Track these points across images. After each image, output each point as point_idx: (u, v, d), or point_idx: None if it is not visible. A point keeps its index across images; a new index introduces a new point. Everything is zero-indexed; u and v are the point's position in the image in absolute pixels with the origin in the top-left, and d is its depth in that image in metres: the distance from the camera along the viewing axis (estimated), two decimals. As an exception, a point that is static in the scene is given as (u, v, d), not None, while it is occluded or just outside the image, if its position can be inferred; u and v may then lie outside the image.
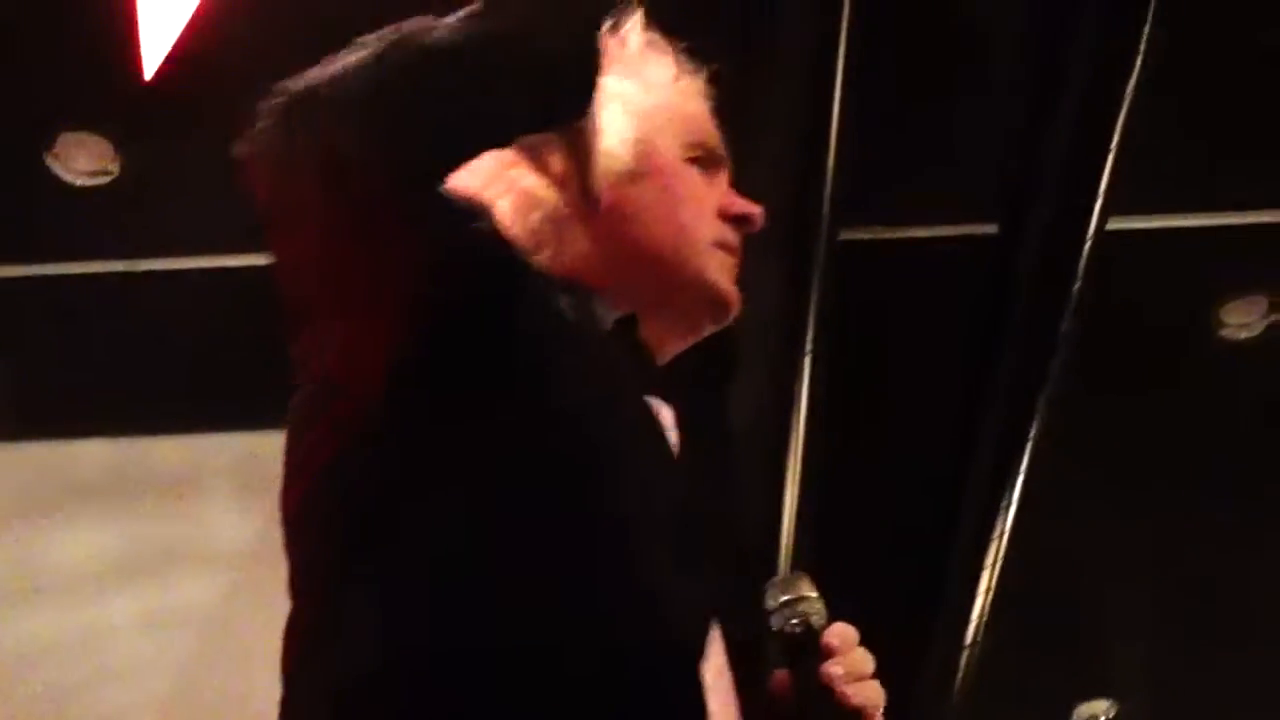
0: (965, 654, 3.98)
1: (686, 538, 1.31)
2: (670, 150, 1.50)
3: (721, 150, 1.55)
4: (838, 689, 1.35)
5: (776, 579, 1.42)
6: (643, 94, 1.51)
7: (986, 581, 3.77)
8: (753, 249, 2.98)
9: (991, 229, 3.20)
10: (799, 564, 3.52)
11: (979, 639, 3.94)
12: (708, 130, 1.55)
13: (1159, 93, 2.85)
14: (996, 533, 3.63)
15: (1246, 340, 3.64)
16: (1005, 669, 4.18)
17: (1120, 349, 3.57)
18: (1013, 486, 3.52)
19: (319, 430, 1.34)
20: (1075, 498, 3.93)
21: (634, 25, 1.54)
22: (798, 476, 3.38)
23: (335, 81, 1.26)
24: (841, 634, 1.39)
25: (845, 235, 3.08)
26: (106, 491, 3.65)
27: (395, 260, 1.27)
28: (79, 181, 3.22)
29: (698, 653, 1.25)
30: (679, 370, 1.50)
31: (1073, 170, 3.01)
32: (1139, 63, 2.76)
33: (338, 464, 1.30)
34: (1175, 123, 3.10)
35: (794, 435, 3.31)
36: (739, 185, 1.54)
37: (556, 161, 1.45)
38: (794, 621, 1.38)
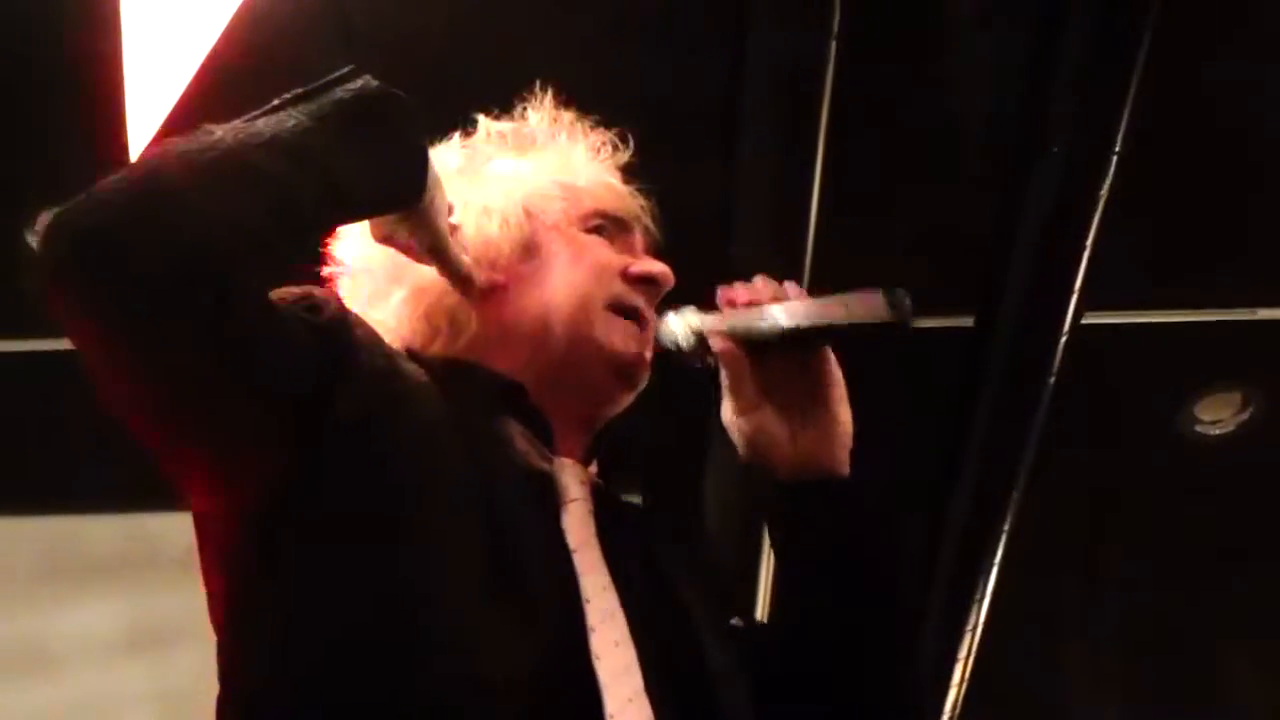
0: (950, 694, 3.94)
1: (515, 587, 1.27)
2: (564, 223, 1.49)
3: (628, 215, 1.53)
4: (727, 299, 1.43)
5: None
6: (533, 173, 1.51)
7: (960, 672, 3.73)
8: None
9: (966, 322, 3.15)
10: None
11: (966, 682, 3.88)
12: (610, 199, 1.53)
13: (1136, 190, 2.82)
14: (973, 611, 3.58)
15: (1221, 436, 3.61)
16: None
17: (1096, 438, 3.55)
18: (988, 570, 3.47)
19: (206, 552, 1.32)
20: (1044, 591, 3.90)
21: (541, 109, 1.54)
22: (769, 568, 3.33)
23: (91, 194, 1.16)
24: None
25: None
26: (116, 566, 3.60)
27: (187, 375, 1.17)
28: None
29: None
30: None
31: (1048, 267, 2.96)
32: (1113, 167, 2.74)
33: (219, 581, 1.30)
34: (1152, 223, 3.09)
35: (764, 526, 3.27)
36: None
37: (414, 247, 1.40)
38: (685, 339, 1.46)
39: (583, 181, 1.52)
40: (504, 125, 1.53)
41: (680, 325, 1.46)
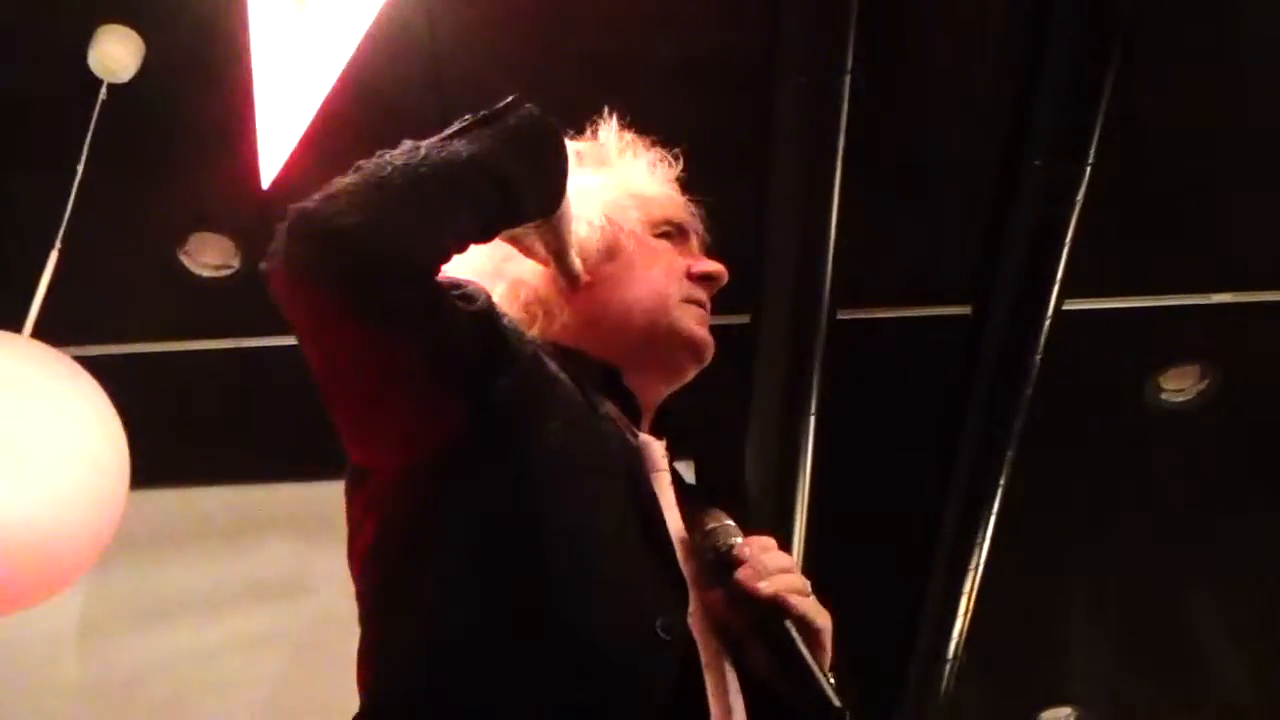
0: (947, 666, 3.96)
1: (648, 545, 1.30)
2: (638, 228, 1.52)
3: (687, 223, 1.58)
4: (748, 587, 1.31)
5: None
6: (612, 185, 1.54)
7: (965, 604, 3.77)
8: (765, 326, 3.02)
9: (965, 310, 3.21)
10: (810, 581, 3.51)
11: (959, 654, 3.92)
12: (673, 209, 1.56)
13: (1106, 192, 2.87)
14: (973, 561, 3.62)
15: (1182, 404, 3.64)
16: (980, 678, 4.17)
17: (1073, 410, 3.58)
18: (986, 523, 3.51)
19: (358, 501, 1.38)
20: (1037, 534, 3.92)
21: (610, 130, 1.59)
22: (805, 512, 3.38)
23: (328, 197, 1.24)
24: (753, 542, 1.37)
25: (842, 315, 3.10)
26: (221, 531, 3.68)
27: (402, 350, 1.25)
28: (206, 274, 3.26)
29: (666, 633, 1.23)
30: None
31: (1033, 260, 3.01)
32: (1086, 178, 2.79)
33: (375, 528, 1.34)
34: (1120, 222, 3.13)
35: (800, 479, 3.32)
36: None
37: (539, 249, 1.44)
38: (714, 548, 1.35)
39: (651, 192, 1.55)
40: (580, 145, 1.54)
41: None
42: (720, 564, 1.34)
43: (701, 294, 1.54)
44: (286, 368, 3.41)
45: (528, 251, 1.46)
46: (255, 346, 3.42)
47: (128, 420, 2.51)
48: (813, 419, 3.22)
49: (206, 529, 3.68)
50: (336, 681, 3.57)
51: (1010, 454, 3.30)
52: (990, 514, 3.45)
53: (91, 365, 2.55)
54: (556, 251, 1.45)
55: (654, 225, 1.55)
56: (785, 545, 3.45)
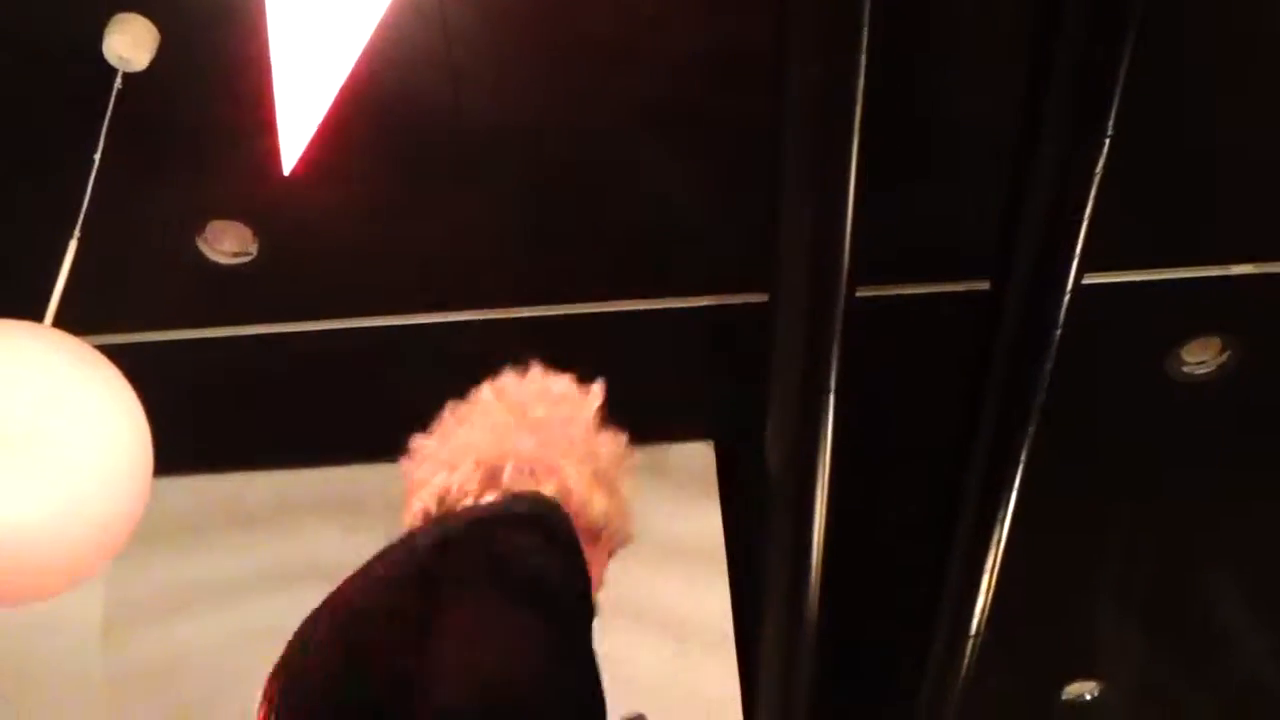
0: (970, 641, 3.97)
1: None
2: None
3: None
4: None
5: None
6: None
7: (987, 580, 3.76)
8: (783, 305, 3.02)
9: (985, 285, 3.20)
10: (831, 559, 3.53)
11: (981, 629, 3.93)
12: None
13: (1125, 165, 2.85)
14: (995, 537, 3.62)
15: (1204, 375, 3.64)
16: (1003, 654, 4.17)
17: (1094, 385, 3.58)
18: (1007, 500, 3.51)
19: None
20: (1061, 509, 3.93)
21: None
22: (825, 491, 3.38)
23: None
24: None
25: (862, 292, 3.09)
26: (247, 518, 3.70)
27: None
28: (224, 262, 3.27)
29: None
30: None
31: (1053, 235, 2.99)
32: (1105, 150, 2.77)
33: None
34: (1140, 196, 3.13)
35: (820, 458, 3.32)
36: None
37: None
38: None
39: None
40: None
41: None
42: None
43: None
44: (307, 354, 3.46)
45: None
46: (275, 333, 3.43)
47: (149, 408, 2.52)
48: (832, 397, 3.22)
49: (232, 516, 3.70)
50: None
51: (1030, 429, 3.29)
52: (1011, 490, 3.45)
53: (111, 353, 2.55)
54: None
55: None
56: (806, 525, 3.49)
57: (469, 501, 1.52)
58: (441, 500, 1.53)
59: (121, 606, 3.59)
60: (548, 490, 1.53)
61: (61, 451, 2.34)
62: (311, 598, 3.54)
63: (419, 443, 1.64)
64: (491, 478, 1.53)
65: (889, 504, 3.93)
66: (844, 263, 2.98)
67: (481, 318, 3.41)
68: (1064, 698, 4.89)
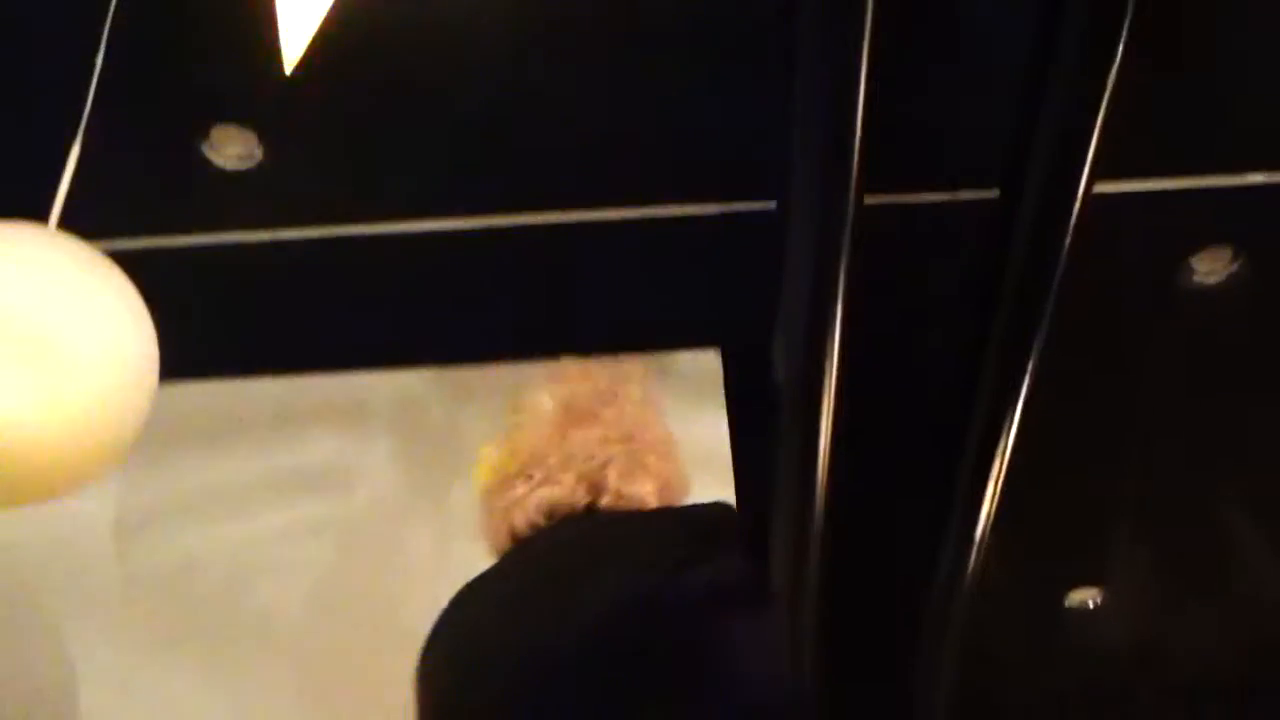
0: (974, 548, 3.99)
1: None
2: None
3: None
4: None
5: None
6: None
7: (992, 488, 3.77)
8: (791, 212, 3.00)
9: (994, 194, 3.17)
10: (838, 467, 3.55)
11: (987, 536, 3.95)
12: None
13: (1137, 78, 2.83)
14: (1001, 446, 3.62)
15: (1214, 285, 3.61)
16: (1008, 560, 4.19)
17: (1104, 294, 3.55)
18: (1014, 410, 3.51)
19: None
20: (1069, 416, 3.91)
21: None
22: (832, 401, 3.38)
23: None
24: None
25: (871, 199, 3.07)
26: (257, 424, 3.71)
27: None
28: (229, 166, 3.25)
29: None
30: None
31: (1063, 143, 2.99)
32: (1118, 57, 2.76)
33: None
34: (1154, 102, 3.08)
35: (828, 368, 3.32)
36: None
37: None
38: None
39: None
40: None
41: None
42: None
43: None
44: (312, 261, 3.45)
45: None
46: (281, 239, 3.41)
47: (152, 314, 2.51)
48: (839, 306, 3.21)
49: (240, 422, 3.71)
50: (383, 568, 3.63)
51: (1039, 339, 3.29)
52: (1019, 397, 3.45)
53: (114, 259, 2.54)
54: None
55: None
56: (813, 435, 3.50)
57: (580, 509, 1.65)
58: (550, 514, 1.67)
59: (138, 510, 3.61)
60: (648, 487, 1.65)
61: (68, 351, 2.33)
62: (316, 505, 3.57)
63: (496, 462, 1.74)
64: (595, 486, 1.68)
65: (896, 413, 3.93)
66: (853, 170, 2.96)
67: (486, 225, 3.39)
68: (1067, 604, 4.92)
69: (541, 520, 1.68)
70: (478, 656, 1.58)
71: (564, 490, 1.68)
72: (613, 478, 1.67)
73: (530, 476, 1.70)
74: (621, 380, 1.80)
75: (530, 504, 1.69)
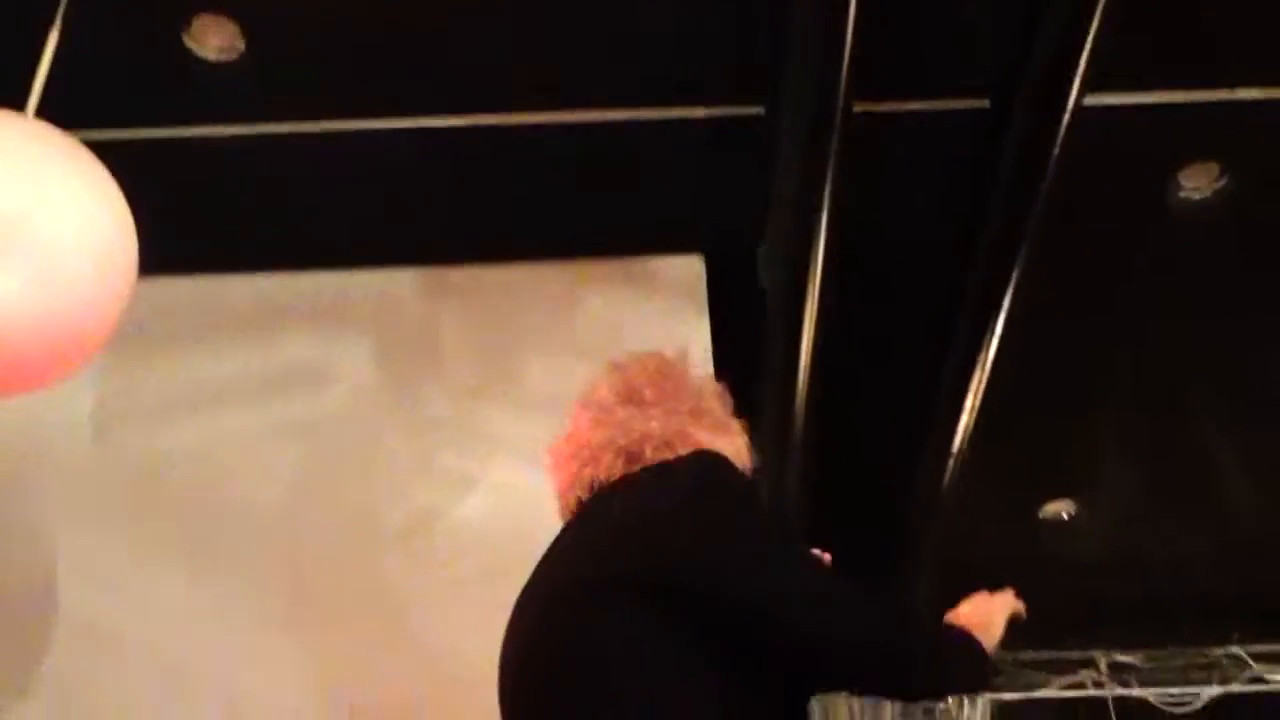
0: (951, 460, 4.01)
1: None
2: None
3: None
4: None
5: None
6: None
7: (971, 400, 3.78)
8: (780, 117, 2.96)
9: (984, 104, 3.14)
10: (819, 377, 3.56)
11: (964, 448, 3.97)
12: None
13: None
14: (981, 359, 3.63)
15: (1200, 200, 3.60)
16: (984, 472, 4.22)
17: (1094, 203, 3.53)
18: (995, 321, 3.51)
19: None
20: (1052, 329, 3.92)
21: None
22: (815, 310, 3.38)
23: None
24: None
25: (859, 107, 3.04)
26: (237, 321, 3.68)
27: None
28: (211, 58, 3.20)
29: None
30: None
31: (1054, 54, 2.95)
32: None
33: None
34: (1145, 14, 3.03)
35: (812, 276, 3.31)
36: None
37: None
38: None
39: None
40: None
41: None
42: None
43: None
44: (292, 155, 3.40)
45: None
46: (261, 133, 3.37)
47: (134, 205, 2.47)
48: (826, 214, 3.19)
49: (215, 320, 3.67)
50: (360, 466, 3.63)
51: (1025, 249, 3.27)
52: (1002, 310, 3.44)
53: (92, 150, 2.50)
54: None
55: None
56: (795, 342, 3.49)
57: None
58: (591, 487, 1.83)
59: (115, 405, 3.59)
60: (684, 453, 1.80)
61: (44, 240, 2.30)
62: (294, 403, 3.55)
63: (556, 448, 1.92)
64: (633, 459, 1.82)
65: (879, 325, 3.92)
66: (842, 76, 2.93)
67: (469, 124, 3.35)
68: (1041, 515, 4.97)
69: (585, 495, 1.85)
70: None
71: (605, 467, 1.84)
72: (648, 453, 1.82)
73: (578, 456, 1.88)
74: (675, 372, 1.96)
75: (578, 484, 1.87)
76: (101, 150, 2.52)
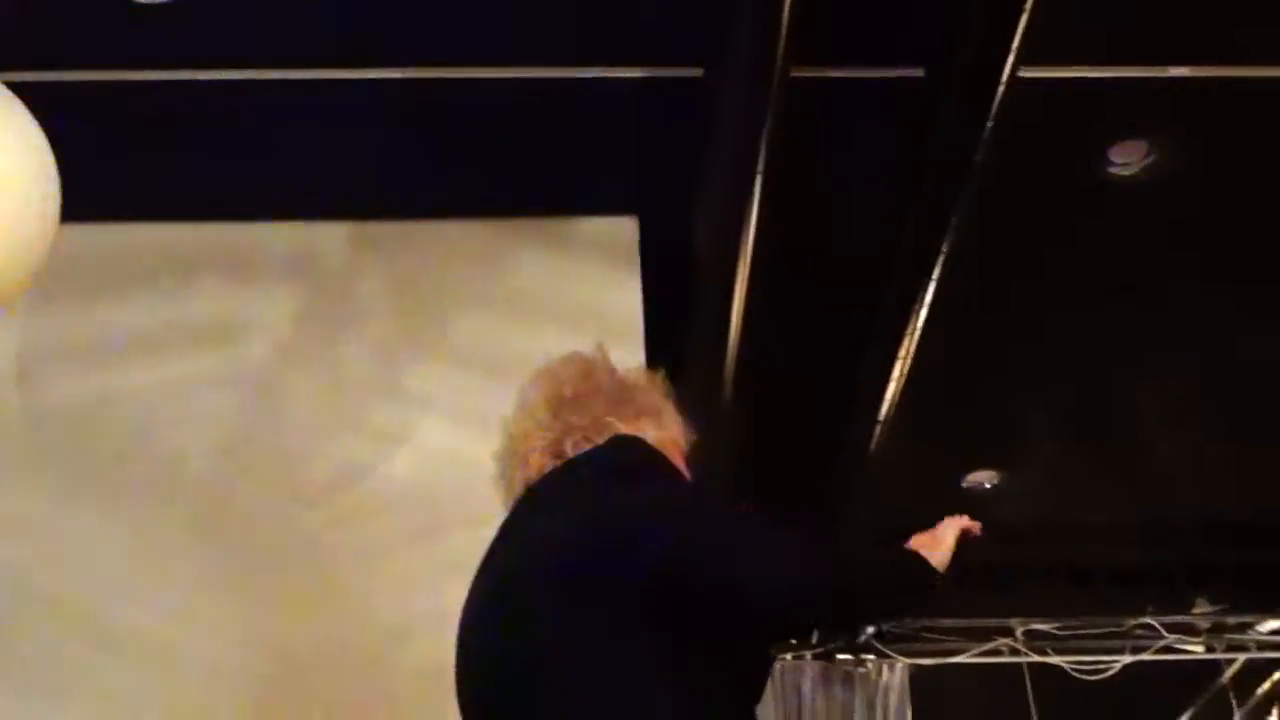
0: (878, 427, 4.03)
1: None
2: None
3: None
4: None
5: None
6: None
7: (899, 368, 3.79)
8: (723, 83, 2.95)
9: (919, 73, 3.13)
10: (747, 344, 3.56)
11: (890, 415, 3.99)
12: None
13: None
14: (910, 326, 3.65)
15: (1128, 177, 3.62)
16: (910, 441, 4.25)
17: (1024, 177, 3.55)
18: (925, 290, 3.52)
19: None
20: (980, 301, 3.96)
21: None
22: (746, 272, 3.38)
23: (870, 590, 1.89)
24: None
25: (796, 73, 3.03)
26: (161, 268, 3.62)
27: None
28: (137, 0, 3.13)
29: None
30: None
31: (989, 25, 2.94)
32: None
33: None
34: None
35: (744, 240, 3.30)
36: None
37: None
38: None
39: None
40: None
41: None
42: None
43: None
44: (224, 101, 3.34)
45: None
46: (193, 79, 3.31)
47: (57, 150, 2.42)
48: (759, 178, 3.18)
49: (145, 266, 3.60)
50: (280, 422, 3.58)
51: (955, 220, 3.28)
52: (931, 280, 3.45)
53: (17, 90, 2.44)
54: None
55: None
56: (725, 305, 3.49)
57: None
58: (526, 483, 1.94)
59: (36, 353, 3.53)
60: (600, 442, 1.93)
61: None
62: (215, 353, 3.51)
63: (495, 453, 2.02)
64: (557, 455, 1.93)
65: (810, 288, 3.93)
66: (780, 42, 2.91)
67: (401, 77, 3.31)
68: (964, 484, 5.02)
69: (520, 490, 1.96)
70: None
71: (536, 464, 1.94)
72: (569, 445, 1.93)
73: (512, 459, 2.00)
74: (595, 369, 2.05)
75: (516, 481, 1.97)
76: (25, 91, 2.46)
